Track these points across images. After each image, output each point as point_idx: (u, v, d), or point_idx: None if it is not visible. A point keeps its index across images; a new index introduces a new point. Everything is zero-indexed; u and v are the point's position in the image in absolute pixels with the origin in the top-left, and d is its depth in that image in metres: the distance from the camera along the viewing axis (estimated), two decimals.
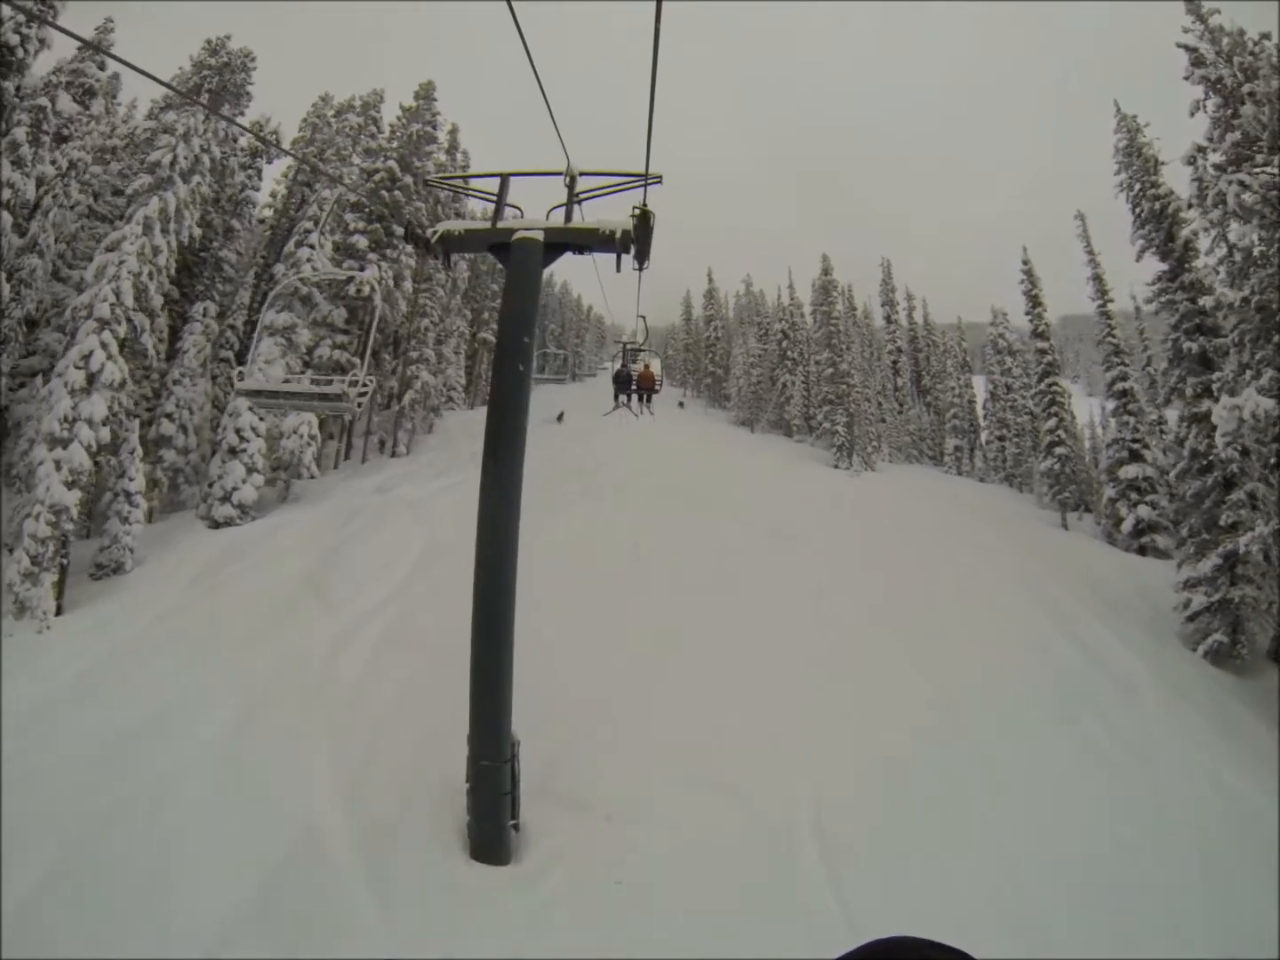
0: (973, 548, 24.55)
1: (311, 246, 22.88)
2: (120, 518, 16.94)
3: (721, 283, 71.18)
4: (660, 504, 23.40)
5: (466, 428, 38.18)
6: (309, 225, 23.25)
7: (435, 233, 8.06)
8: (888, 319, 60.47)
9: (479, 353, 50.03)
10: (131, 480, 17.11)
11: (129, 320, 17.45)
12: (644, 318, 15.62)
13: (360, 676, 12.32)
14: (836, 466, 41.49)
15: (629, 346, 17.80)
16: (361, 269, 24.71)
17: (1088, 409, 51.39)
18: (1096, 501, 39.79)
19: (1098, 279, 35.82)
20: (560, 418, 41.33)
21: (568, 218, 7.66)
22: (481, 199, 8.14)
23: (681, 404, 57.32)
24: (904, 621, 16.60)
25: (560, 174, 7.60)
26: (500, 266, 8.25)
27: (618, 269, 7.56)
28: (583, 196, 7.77)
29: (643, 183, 6.78)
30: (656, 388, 16.88)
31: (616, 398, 17.02)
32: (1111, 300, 35.84)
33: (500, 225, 7.77)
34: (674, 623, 14.67)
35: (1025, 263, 39.97)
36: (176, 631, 14.21)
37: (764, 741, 11.22)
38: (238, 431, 19.97)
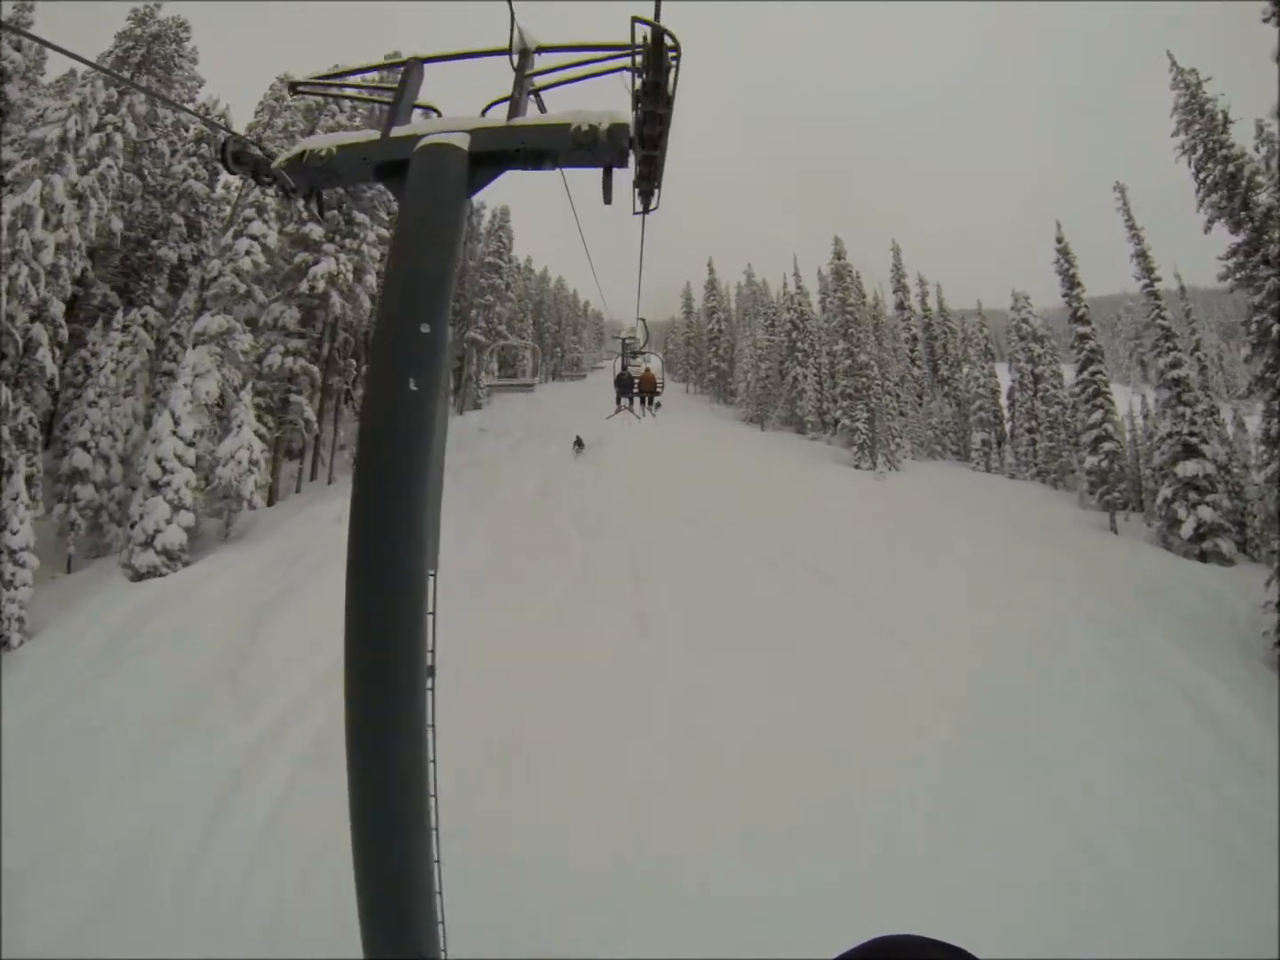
0: (1037, 574, 21.22)
1: (254, 237, 19.44)
2: (2, 582, 13.57)
3: (722, 275, 67.52)
4: (671, 538, 20.04)
5: (451, 437, 34.67)
6: (250, 214, 19.79)
7: (290, 154, 4.44)
8: (901, 305, 56.80)
9: (467, 353, 46.55)
10: (15, 534, 13.73)
11: (9, 334, 14.09)
12: (644, 320, 14.93)
13: (269, 818, 8.92)
14: (858, 466, 38.06)
15: (626, 342, 16.86)
16: (316, 262, 21.27)
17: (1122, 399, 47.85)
18: (1146, 500, 36.41)
19: (1142, 255, 32.38)
20: (579, 446, 33.35)
21: (513, 113, 4.08)
22: (379, 101, 4.56)
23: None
24: (987, 700, 13.23)
25: (504, 52, 4.08)
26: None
27: (606, 199, 3.94)
28: (543, 84, 4.23)
29: (643, 52, 3.24)
30: (658, 389, 16.26)
31: (619, 400, 16.38)
32: (1159, 279, 32.48)
33: (398, 133, 4.13)
34: (697, 742, 11.14)
35: (1060, 240, 36.41)
36: (53, 740, 10.89)
37: (842, 901, 7.85)
38: (159, 461, 16.58)
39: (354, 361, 26.17)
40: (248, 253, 19.01)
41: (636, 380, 16.43)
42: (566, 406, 47.63)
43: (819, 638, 14.31)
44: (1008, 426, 46.74)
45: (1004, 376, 48.70)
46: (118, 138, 18.27)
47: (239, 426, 17.83)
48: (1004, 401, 47.79)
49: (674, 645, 13.45)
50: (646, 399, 16.50)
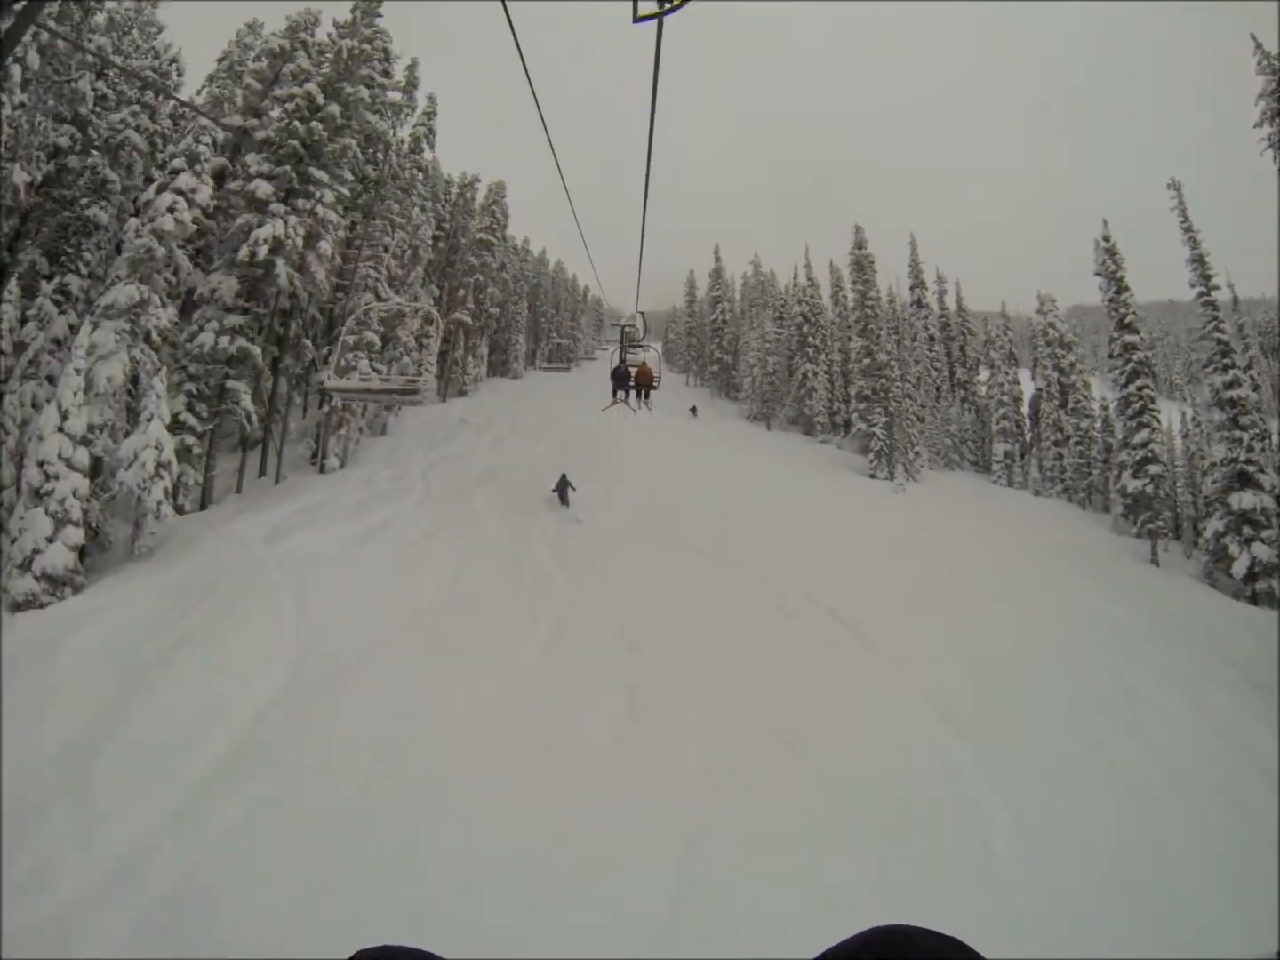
0: (1083, 615, 18.27)
1: (180, 192, 16.11)
2: None
3: (726, 267, 64.20)
4: (674, 576, 17.01)
5: (429, 428, 31.58)
6: (179, 164, 16.46)
7: None
8: (919, 302, 53.40)
9: (454, 336, 43.16)
10: None
11: None
12: (643, 313, 15.68)
13: None
14: (874, 476, 34.87)
15: (626, 330, 16.84)
16: (259, 224, 17.91)
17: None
18: (1184, 528, 33.40)
19: (1199, 261, 29.24)
20: (565, 491, 21.66)
21: None
22: None
23: (694, 409, 47.51)
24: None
25: None
26: None
27: None
28: None
29: None
30: (655, 384, 16.14)
31: (615, 393, 16.20)
32: (1217, 288, 29.25)
33: None
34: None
35: (1106, 239, 33.08)
36: None
37: None
38: (41, 465, 13.33)
39: (310, 343, 22.88)
40: (170, 209, 15.68)
41: (634, 373, 16.15)
42: (559, 397, 44.47)
43: (849, 712, 11.25)
44: (1028, 437, 43.81)
45: (1025, 383, 45.80)
46: (15, 70, 14.93)
47: (148, 420, 14.58)
48: (1024, 410, 44.81)
49: (678, 746, 10.21)
50: (643, 393, 16.34)
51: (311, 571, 14.27)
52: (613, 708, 11.06)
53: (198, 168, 16.46)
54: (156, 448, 14.50)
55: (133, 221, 16.22)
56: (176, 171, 16.35)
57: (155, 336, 15.19)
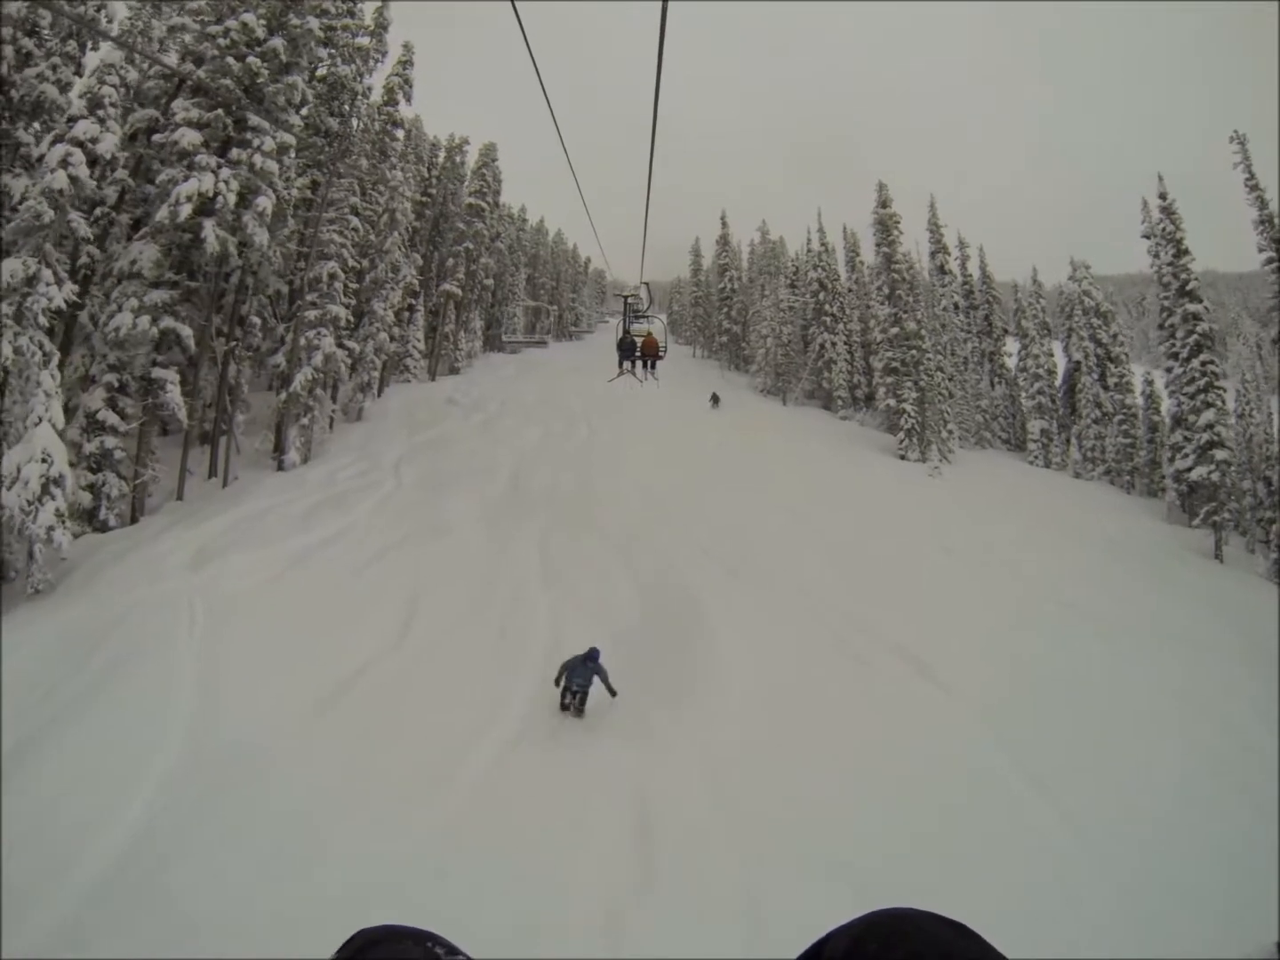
0: (1182, 640, 15.51)
1: (79, 143, 13.07)
2: None
3: (733, 234, 60.63)
4: (683, 590, 14.28)
5: (412, 409, 28.65)
6: (79, 109, 13.43)
7: None
8: (941, 268, 49.71)
9: (443, 309, 40.04)
10: None
11: None
12: (647, 284, 15.90)
13: None
14: (904, 457, 31.77)
15: (629, 301, 16.33)
16: (186, 179, 14.82)
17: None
18: (1248, 520, 30.18)
19: (1268, 222, 25.95)
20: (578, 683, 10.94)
21: None
22: None
23: (716, 397, 38.40)
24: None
25: None
26: None
27: None
28: None
29: None
30: (660, 354, 16.13)
31: (620, 364, 16.15)
32: None
33: None
34: None
35: (1163, 197, 29.60)
36: None
37: None
38: None
39: (274, 320, 19.93)
40: (64, 163, 12.67)
41: (639, 343, 15.93)
42: (557, 372, 41.69)
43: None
44: (1061, 412, 40.67)
45: (1056, 356, 42.56)
46: None
47: (34, 426, 11.76)
48: (1059, 385, 41.61)
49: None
50: (649, 363, 16.27)
51: (225, 618, 11.41)
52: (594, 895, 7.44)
53: (101, 113, 13.40)
54: (44, 460, 11.65)
55: (19, 181, 13.20)
56: (75, 119, 13.31)
57: (40, 316, 12.22)
